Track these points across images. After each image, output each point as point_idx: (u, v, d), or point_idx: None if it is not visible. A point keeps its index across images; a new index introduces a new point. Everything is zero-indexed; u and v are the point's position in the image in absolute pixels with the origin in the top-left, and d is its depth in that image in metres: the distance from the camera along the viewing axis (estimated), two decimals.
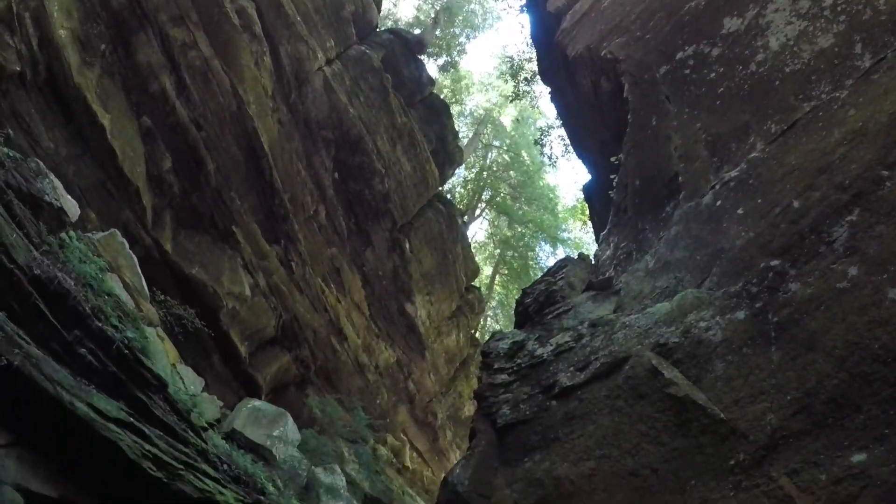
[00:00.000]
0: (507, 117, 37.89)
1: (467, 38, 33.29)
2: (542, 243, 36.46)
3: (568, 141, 17.35)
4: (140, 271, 9.57)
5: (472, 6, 32.98)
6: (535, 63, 17.52)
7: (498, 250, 38.38)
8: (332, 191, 18.17)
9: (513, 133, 37.12)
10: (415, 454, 24.10)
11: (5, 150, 6.54)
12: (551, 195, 37.06)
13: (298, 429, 13.67)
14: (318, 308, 17.97)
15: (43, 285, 5.23)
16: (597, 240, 10.55)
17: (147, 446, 5.80)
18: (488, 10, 33.69)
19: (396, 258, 21.19)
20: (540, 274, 13.19)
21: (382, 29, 24.28)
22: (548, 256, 36.15)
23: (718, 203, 5.09)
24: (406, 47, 22.69)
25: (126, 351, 6.03)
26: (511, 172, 35.99)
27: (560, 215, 36.70)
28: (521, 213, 35.68)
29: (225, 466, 7.75)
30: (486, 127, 36.42)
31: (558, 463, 5.09)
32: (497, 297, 38.64)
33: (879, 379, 3.51)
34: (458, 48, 32.66)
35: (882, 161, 4.01)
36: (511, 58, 26.96)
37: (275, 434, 12.47)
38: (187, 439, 6.90)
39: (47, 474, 5.13)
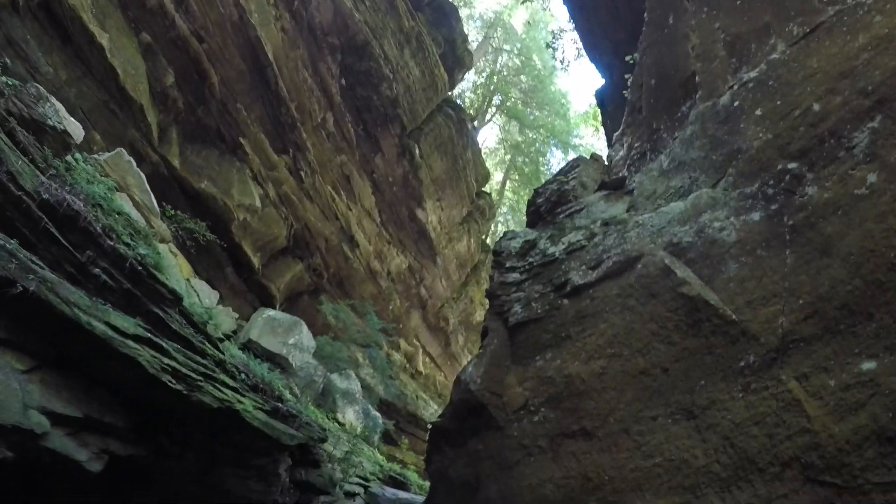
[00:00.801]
0: (518, 20, 36.54)
1: None
2: (553, 149, 36.09)
3: (580, 45, 16.73)
4: (149, 188, 9.60)
5: None
6: None
7: (509, 156, 37.99)
8: (339, 98, 17.85)
9: (524, 36, 35.88)
10: (427, 359, 24.97)
11: (3, 78, 6.42)
12: (563, 100, 36.27)
13: (313, 336, 14.08)
14: (328, 216, 18.11)
15: (52, 209, 5.25)
16: (609, 145, 10.41)
17: (166, 360, 5.99)
18: None
19: (406, 164, 21.08)
20: None
21: None
22: (559, 162, 35.91)
23: (736, 103, 4.95)
24: None
25: (139, 267, 6.07)
26: (522, 77, 35.05)
27: (572, 121, 36.06)
28: (532, 118, 35.04)
29: (242, 376, 8.03)
30: (496, 30, 35.16)
31: (569, 361, 5.20)
32: (508, 203, 38.65)
33: (894, 287, 3.49)
34: None
35: None
36: None
37: (290, 342, 12.84)
38: (205, 351, 7.10)
39: (70, 395, 5.28)
